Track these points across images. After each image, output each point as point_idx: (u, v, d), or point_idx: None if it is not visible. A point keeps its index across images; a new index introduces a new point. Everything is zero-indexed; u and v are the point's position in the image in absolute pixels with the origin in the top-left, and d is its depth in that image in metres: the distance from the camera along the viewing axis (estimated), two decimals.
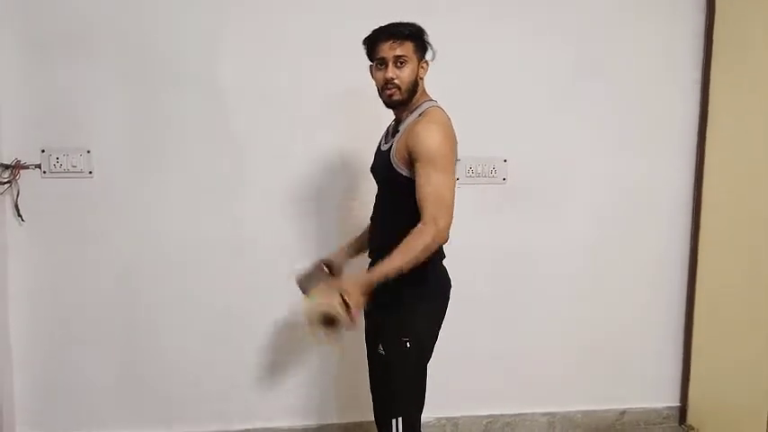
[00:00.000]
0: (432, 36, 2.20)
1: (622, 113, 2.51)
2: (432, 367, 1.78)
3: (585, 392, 2.62)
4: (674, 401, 2.68)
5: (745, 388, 2.30)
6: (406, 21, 1.69)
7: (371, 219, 1.86)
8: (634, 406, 2.65)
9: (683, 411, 2.66)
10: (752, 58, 2.29)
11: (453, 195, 1.61)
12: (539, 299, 2.56)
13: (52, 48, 2.21)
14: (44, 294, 2.30)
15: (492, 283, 2.52)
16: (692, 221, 2.59)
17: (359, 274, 1.64)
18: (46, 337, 2.32)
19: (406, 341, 1.68)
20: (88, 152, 2.25)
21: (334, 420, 2.49)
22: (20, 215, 2.23)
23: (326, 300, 1.51)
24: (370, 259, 1.82)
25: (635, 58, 2.49)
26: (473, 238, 2.40)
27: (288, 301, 2.41)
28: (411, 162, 1.63)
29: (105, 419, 2.38)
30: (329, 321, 1.50)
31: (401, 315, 1.69)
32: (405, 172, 1.65)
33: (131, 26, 2.24)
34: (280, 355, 2.45)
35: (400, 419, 1.69)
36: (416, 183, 1.59)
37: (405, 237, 1.58)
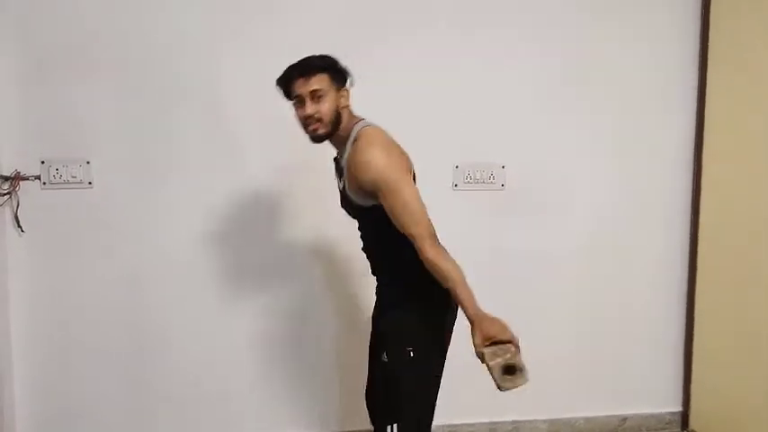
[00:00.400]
0: (429, 45, 2.21)
1: (619, 117, 2.52)
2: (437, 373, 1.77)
3: (587, 399, 2.61)
4: (677, 407, 2.67)
5: (748, 392, 2.30)
6: (317, 54, 1.66)
7: (362, 248, 1.84)
8: (636, 412, 2.64)
9: (685, 417, 2.65)
10: (749, 59, 2.30)
11: (419, 202, 1.59)
12: (539, 305, 2.55)
13: (52, 60, 2.22)
14: (44, 305, 2.30)
15: (491, 289, 2.47)
16: (691, 224, 2.59)
17: (480, 313, 1.58)
18: (46, 346, 2.32)
19: (410, 351, 1.68)
20: (88, 163, 2.26)
21: (335, 429, 2.49)
22: (20, 226, 2.24)
23: (502, 353, 1.48)
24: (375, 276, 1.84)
25: (631, 60, 2.50)
26: (472, 244, 2.39)
27: (289, 309, 2.44)
28: (367, 191, 1.61)
29: (107, 427, 2.37)
30: (509, 370, 1.47)
31: (406, 325, 1.70)
32: (368, 203, 1.64)
33: (130, 38, 2.25)
34: (282, 363, 2.44)
35: (395, 426, 1.68)
36: (386, 209, 1.58)
37: (396, 256, 1.63)
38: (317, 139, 1.68)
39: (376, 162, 1.56)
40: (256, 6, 2.30)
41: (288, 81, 1.65)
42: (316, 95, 1.62)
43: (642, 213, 2.57)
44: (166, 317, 2.36)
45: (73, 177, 2.25)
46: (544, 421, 2.59)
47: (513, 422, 2.57)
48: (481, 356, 1.49)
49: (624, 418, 2.63)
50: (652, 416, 2.65)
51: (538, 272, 2.53)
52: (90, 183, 2.27)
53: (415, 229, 1.55)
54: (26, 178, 2.23)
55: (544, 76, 2.46)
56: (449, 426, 2.51)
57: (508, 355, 1.47)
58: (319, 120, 1.63)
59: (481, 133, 2.43)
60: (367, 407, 1.87)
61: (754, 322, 2.27)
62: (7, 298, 2.27)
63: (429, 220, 1.58)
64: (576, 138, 2.51)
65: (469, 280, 2.36)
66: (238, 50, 2.30)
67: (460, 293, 1.56)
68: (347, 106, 1.70)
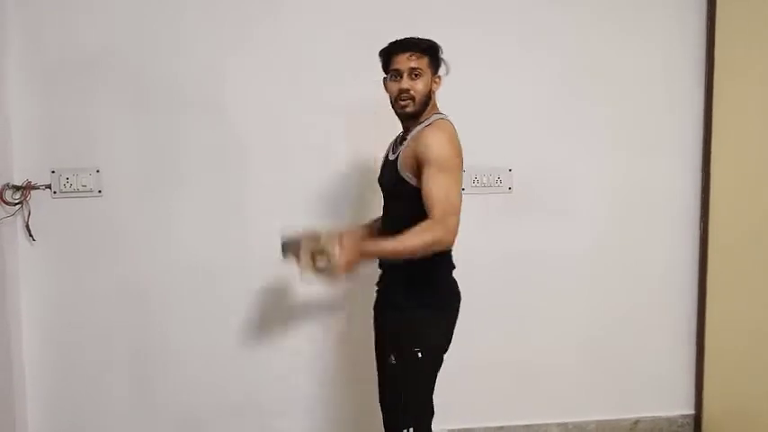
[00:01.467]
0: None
1: (627, 118, 2.51)
2: (442, 378, 1.78)
3: (598, 402, 2.60)
4: (689, 409, 2.64)
5: (762, 394, 2.28)
6: (420, 37, 1.73)
7: (379, 231, 1.86)
8: (648, 415, 2.62)
9: (697, 419, 2.63)
10: (756, 59, 2.28)
11: (461, 200, 1.63)
12: (548, 308, 2.54)
13: (62, 71, 2.25)
14: (56, 313, 2.31)
15: (501, 292, 2.51)
16: (701, 223, 2.57)
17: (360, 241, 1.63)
18: (58, 354, 2.33)
19: (418, 351, 1.69)
20: (98, 171, 2.28)
21: None
22: (31, 235, 2.26)
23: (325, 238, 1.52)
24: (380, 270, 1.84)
25: (636, 59, 2.50)
26: (481, 248, 2.40)
27: (301, 318, 2.44)
28: (418, 171, 1.64)
29: None
30: (320, 260, 1.51)
31: (413, 326, 1.70)
32: (413, 181, 1.67)
33: (139, 51, 2.28)
34: (294, 373, 2.44)
35: (411, 430, 1.69)
36: (424, 185, 1.61)
37: None
38: (404, 115, 1.73)
39: (441, 143, 1.63)
40: (262, 19, 2.32)
41: (390, 54, 1.72)
42: (413, 73, 1.69)
43: (651, 215, 2.56)
44: (175, 325, 2.37)
45: (83, 186, 2.27)
46: (556, 425, 2.57)
47: (525, 426, 2.55)
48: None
49: (636, 421, 2.61)
50: (664, 419, 2.63)
51: (547, 275, 2.52)
52: (100, 191, 2.29)
53: (442, 210, 1.57)
54: (37, 187, 2.25)
55: (550, 79, 2.46)
56: (460, 429, 2.49)
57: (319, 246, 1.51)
58: (412, 98, 1.69)
59: (488, 137, 2.42)
60: (381, 409, 1.87)
61: (767, 323, 2.25)
62: (19, 305, 2.28)
63: (459, 218, 1.61)
64: (583, 140, 2.51)
65: (479, 282, 2.40)
66: (245, 62, 2.32)
67: (385, 248, 1.60)
68: (435, 92, 1.76)
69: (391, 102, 1.74)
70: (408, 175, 1.68)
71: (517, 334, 2.53)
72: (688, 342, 2.62)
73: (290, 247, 1.66)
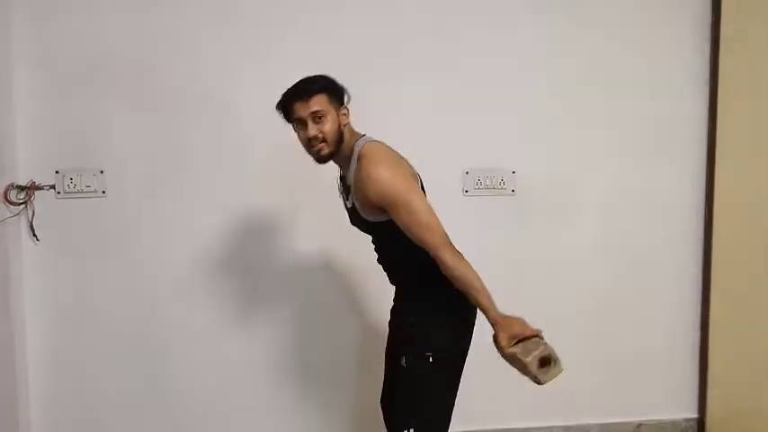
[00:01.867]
0: (440, 50, 2.20)
1: (630, 119, 2.50)
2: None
3: (601, 405, 2.59)
4: (692, 413, 2.63)
5: (766, 397, 2.27)
6: (312, 75, 1.67)
7: (377, 260, 1.85)
8: (651, 418, 2.61)
9: (701, 423, 2.61)
10: (760, 60, 2.28)
11: (429, 211, 1.60)
12: (551, 311, 2.50)
13: (66, 73, 2.25)
14: (59, 313, 2.32)
15: (504, 295, 2.49)
16: (705, 227, 2.56)
17: (501, 314, 1.65)
18: (61, 354, 2.33)
19: (429, 356, 1.69)
20: (101, 172, 2.28)
21: None
22: (35, 235, 2.26)
23: (534, 347, 1.54)
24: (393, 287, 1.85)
25: (640, 61, 2.49)
26: (484, 250, 2.36)
27: (304, 322, 2.44)
28: (377, 208, 1.61)
29: None
30: (544, 362, 1.53)
31: (425, 331, 1.71)
32: (380, 218, 1.64)
33: (143, 52, 2.28)
34: (296, 376, 2.44)
35: (412, 431, 1.68)
36: (402, 226, 1.59)
37: (413, 266, 1.67)
38: (322, 159, 1.68)
39: (381, 178, 1.58)
40: (268, 22, 2.31)
41: (287, 105, 1.65)
42: (317, 116, 1.62)
43: (655, 215, 2.55)
44: (179, 326, 2.37)
45: (87, 186, 2.28)
46: (558, 428, 2.56)
47: (527, 429, 2.54)
48: (512, 356, 1.50)
49: (639, 425, 2.60)
50: (668, 422, 2.61)
51: (550, 277, 2.51)
52: (104, 192, 2.29)
53: (430, 240, 1.57)
54: (41, 188, 2.26)
55: (553, 80, 2.45)
56: None
57: (542, 347, 1.50)
58: (323, 140, 1.63)
59: (491, 139, 2.42)
60: (382, 409, 1.88)
61: None
62: (23, 306, 2.28)
63: (442, 228, 1.59)
64: (587, 141, 2.50)
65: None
66: (250, 65, 2.32)
67: (481, 299, 1.60)
68: (347, 124, 1.70)
69: (305, 149, 1.68)
70: (374, 216, 1.65)
71: None
72: (692, 345, 2.61)
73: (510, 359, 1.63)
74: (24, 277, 2.28)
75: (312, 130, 1.63)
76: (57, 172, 2.27)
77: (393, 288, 1.86)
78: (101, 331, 2.34)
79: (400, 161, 1.68)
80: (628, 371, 2.58)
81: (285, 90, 1.66)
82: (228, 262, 2.36)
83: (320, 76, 1.67)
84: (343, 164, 1.73)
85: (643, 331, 2.58)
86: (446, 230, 1.59)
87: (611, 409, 2.59)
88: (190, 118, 2.31)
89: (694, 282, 2.59)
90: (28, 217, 2.25)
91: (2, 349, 2.16)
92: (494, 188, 2.45)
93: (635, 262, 2.56)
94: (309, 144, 1.65)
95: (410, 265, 1.71)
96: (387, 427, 1.81)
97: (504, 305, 2.47)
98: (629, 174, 2.53)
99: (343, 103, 1.69)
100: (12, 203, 2.21)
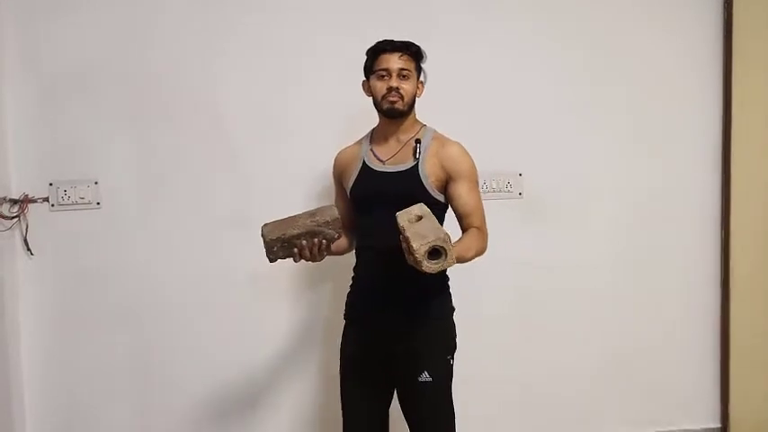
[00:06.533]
0: (444, 53, 2.19)
1: (640, 120, 2.45)
2: (453, 391, 1.74)
3: (617, 415, 2.51)
4: (714, 422, 2.55)
5: None
6: (406, 40, 1.75)
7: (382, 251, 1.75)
8: (670, 428, 2.52)
9: None
10: None
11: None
12: (562, 317, 2.46)
13: (58, 84, 2.22)
14: (54, 327, 2.27)
15: (513, 300, 2.44)
16: (722, 228, 2.49)
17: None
18: (56, 367, 2.28)
19: (450, 359, 1.73)
20: (95, 183, 2.24)
21: None
22: (29, 249, 2.22)
23: (435, 234, 1.46)
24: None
25: (651, 60, 2.44)
26: (491, 254, 2.30)
27: (305, 330, 2.37)
28: (443, 186, 1.72)
29: None
30: (433, 255, 1.45)
31: (447, 334, 1.74)
32: (434, 193, 1.71)
33: (134, 62, 2.24)
34: (298, 384, 2.38)
35: None
36: (464, 198, 1.71)
37: None
38: (393, 111, 1.73)
39: (469, 159, 1.75)
40: (259, 26, 2.28)
41: (379, 53, 1.73)
42: (402, 74, 1.71)
43: (668, 217, 2.48)
44: (175, 337, 2.32)
45: (81, 198, 2.23)
46: None
47: None
48: (406, 239, 1.45)
49: None
50: None
51: (560, 282, 2.44)
52: (98, 203, 2.25)
53: (481, 214, 1.74)
54: (34, 201, 2.22)
55: (561, 80, 2.41)
56: None
57: (441, 236, 1.42)
58: (401, 96, 1.71)
59: (497, 141, 2.37)
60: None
61: None
62: (18, 320, 2.24)
63: None
64: (596, 143, 2.44)
65: (490, 290, 2.37)
66: (242, 71, 2.28)
67: (463, 255, 1.60)
68: (420, 96, 1.80)
69: (376, 100, 1.75)
70: (435, 192, 1.71)
71: (530, 344, 2.45)
72: (713, 353, 2.53)
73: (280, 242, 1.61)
74: (19, 291, 2.24)
75: (395, 81, 1.71)
76: (50, 184, 2.23)
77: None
78: (96, 344, 2.29)
79: None
80: (648, 380, 2.51)
81: (381, 40, 1.74)
82: (223, 272, 2.32)
83: (418, 45, 1.75)
84: (404, 132, 1.78)
85: (658, 335, 2.50)
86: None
87: (632, 418, 2.51)
88: (183, 128, 2.27)
89: (713, 286, 2.52)
90: (21, 231, 2.21)
91: None
92: (501, 191, 2.40)
93: (648, 264, 2.48)
94: (388, 93, 1.71)
95: None
96: None
97: (512, 310, 2.43)
98: (640, 175, 2.46)
99: (421, 78, 1.79)
100: (4, 218, 2.17)
